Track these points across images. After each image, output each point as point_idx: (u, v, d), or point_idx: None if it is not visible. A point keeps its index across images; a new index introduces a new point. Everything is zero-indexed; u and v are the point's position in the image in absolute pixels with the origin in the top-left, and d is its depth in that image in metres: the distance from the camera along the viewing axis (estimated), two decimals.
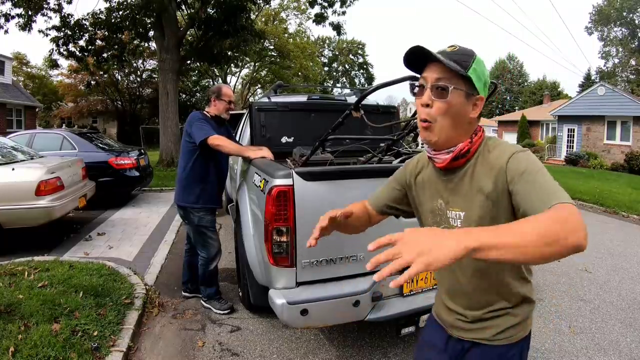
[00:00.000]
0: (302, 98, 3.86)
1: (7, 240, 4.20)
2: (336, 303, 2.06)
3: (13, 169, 4.27)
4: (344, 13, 13.77)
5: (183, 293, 3.33)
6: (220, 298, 3.11)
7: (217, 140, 2.72)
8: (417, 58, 1.01)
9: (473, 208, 1.01)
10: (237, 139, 3.81)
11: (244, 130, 4.00)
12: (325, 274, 2.15)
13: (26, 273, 3.27)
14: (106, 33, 12.24)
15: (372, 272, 2.26)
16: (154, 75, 25.53)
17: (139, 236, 5.06)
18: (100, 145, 7.00)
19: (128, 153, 6.99)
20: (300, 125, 3.35)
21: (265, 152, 2.76)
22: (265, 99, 3.61)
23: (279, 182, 2.05)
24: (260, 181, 2.34)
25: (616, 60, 37.05)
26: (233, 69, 29.84)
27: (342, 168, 2.27)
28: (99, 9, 12.11)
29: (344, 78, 45.69)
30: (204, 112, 2.98)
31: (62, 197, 4.42)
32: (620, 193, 9.34)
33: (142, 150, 7.84)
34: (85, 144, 6.71)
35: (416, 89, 1.04)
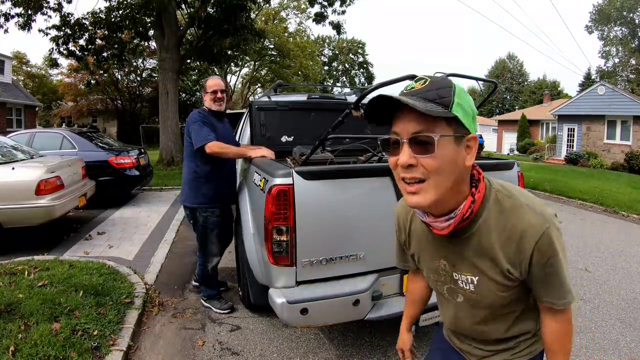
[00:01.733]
0: (302, 97, 3.86)
1: (7, 240, 4.20)
2: (336, 302, 2.06)
3: (13, 168, 4.27)
4: (343, 12, 13.81)
5: (193, 283, 3.45)
6: (220, 298, 3.11)
7: (215, 148, 2.69)
8: (381, 107, 0.83)
9: (487, 275, 0.91)
10: (237, 138, 3.81)
11: (244, 130, 3.99)
12: (325, 273, 2.15)
13: (26, 272, 3.27)
14: (106, 32, 12.24)
15: (371, 272, 2.26)
16: (154, 75, 25.53)
17: (139, 235, 5.06)
18: (100, 145, 7.00)
19: (128, 152, 6.99)
20: (301, 125, 3.34)
21: (264, 151, 2.75)
22: (265, 98, 3.61)
23: (279, 181, 2.05)
24: (260, 180, 2.34)
25: (616, 60, 37.04)
26: (233, 68, 29.86)
27: (342, 167, 2.27)
28: (99, 8, 12.13)
29: (344, 77, 45.68)
30: (203, 108, 2.95)
31: (62, 196, 4.42)
32: (620, 192, 9.33)
33: (142, 150, 7.84)
34: (85, 143, 6.71)
35: (389, 146, 0.85)
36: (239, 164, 3.32)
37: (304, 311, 2.01)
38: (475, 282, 0.93)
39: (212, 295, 3.09)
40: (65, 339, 2.31)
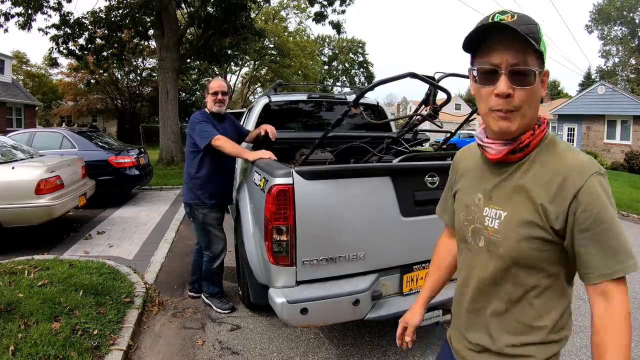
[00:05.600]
0: (303, 96, 3.86)
1: (7, 239, 4.20)
2: (336, 302, 2.06)
3: (13, 168, 4.26)
4: (343, 12, 13.79)
5: (189, 293, 3.30)
6: (222, 297, 3.11)
7: (218, 142, 2.70)
8: (475, 37, 0.86)
9: (517, 211, 0.87)
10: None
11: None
12: (325, 272, 2.15)
13: (26, 272, 3.27)
14: (106, 31, 12.22)
15: (371, 271, 2.25)
16: (154, 74, 25.48)
17: (139, 235, 5.06)
18: (100, 144, 7.00)
19: (128, 152, 6.99)
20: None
21: (262, 154, 2.60)
22: (266, 98, 3.61)
23: (279, 181, 2.05)
24: (260, 180, 2.34)
25: (616, 60, 37.03)
26: (233, 67, 29.80)
27: (342, 167, 2.27)
28: (99, 8, 12.10)
29: (343, 77, 45.65)
30: (204, 110, 2.97)
31: (62, 195, 4.42)
32: (620, 192, 9.33)
33: (142, 149, 7.83)
34: (85, 142, 6.71)
35: (478, 76, 0.87)
36: (239, 163, 3.32)
37: (303, 311, 2.01)
38: (502, 218, 0.90)
39: (214, 292, 3.09)
40: (65, 338, 2.31)
